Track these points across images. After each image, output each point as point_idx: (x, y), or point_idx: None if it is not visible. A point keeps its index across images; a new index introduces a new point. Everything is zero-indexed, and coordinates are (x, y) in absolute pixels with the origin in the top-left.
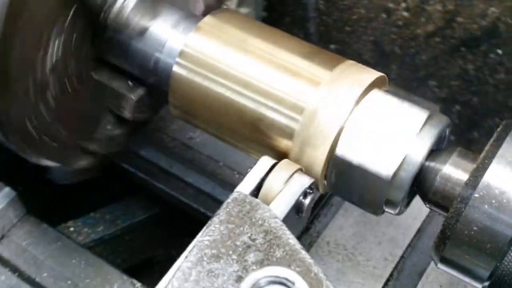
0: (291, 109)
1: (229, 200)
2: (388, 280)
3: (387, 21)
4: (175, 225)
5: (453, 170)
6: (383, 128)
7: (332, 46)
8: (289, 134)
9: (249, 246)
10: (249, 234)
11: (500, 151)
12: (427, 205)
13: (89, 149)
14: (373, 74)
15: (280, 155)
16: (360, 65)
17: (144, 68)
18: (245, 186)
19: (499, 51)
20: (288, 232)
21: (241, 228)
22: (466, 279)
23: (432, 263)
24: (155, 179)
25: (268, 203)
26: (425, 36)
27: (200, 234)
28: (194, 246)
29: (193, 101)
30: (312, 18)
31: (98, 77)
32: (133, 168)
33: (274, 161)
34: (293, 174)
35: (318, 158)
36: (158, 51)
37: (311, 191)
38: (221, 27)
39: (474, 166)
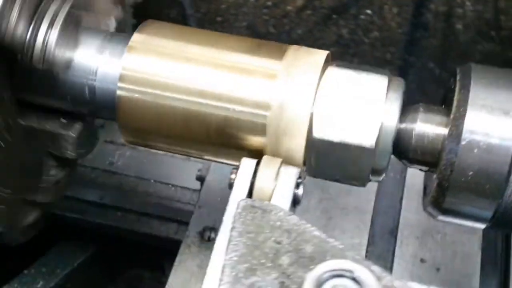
0: (256, 107)
1: (239, 210)
2: (367, 245)
3: (256, 4)
4: (116, 259)
5: (427, 126)
6: (351, 102)
7: None
8: (260, 130)
9: (278, 250)
10: (273, 238)
11: (470, 97)
12: (408, 165)
13: (36, 201)
14: (321, 54)
15: (254, 153)
16: (304, 47)
17: (79, 100)
18: (238, 192)
19: (368, 11)
20: (308, 225)
21: (263, 234)
22: (469, 224)
23: (402, 220)
24: (87, 215)
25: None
26: (296, 11)
27: (225, 252)
28: (224, 266)
29: (148, 122)
30: (191, 15)
31: (27, 122)
32: (60, 210)
33: (255, 160)
34: (279, 168)
35: (297, 146)
36: (91, 80)
37: (300, 180)
38: (154, 42)
39: (444, 118)
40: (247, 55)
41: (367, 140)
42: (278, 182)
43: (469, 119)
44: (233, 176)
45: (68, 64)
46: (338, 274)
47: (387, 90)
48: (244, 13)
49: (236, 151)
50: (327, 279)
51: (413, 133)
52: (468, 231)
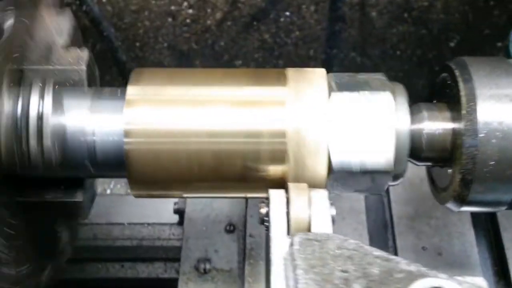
0: (273, 137)
1: (296, 246)
2: (370, 244)
3: (175, 24)
4: None
5: (434, 124)
6: (364, 123)
7: (133, 64)
8: (280, 158)
9: (347, 279)
10: (339, 268)
11: (477, 90)
12: (421, 164)
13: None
14: (319, 74)
15: (276, 182)
16: (299, 69)
17: (79, 166)
18: (277, 227)
19: (287, 13)
20: (367, 246)
21: (328, 266)
22: (489, 209)
23: (394, 212)
24: (67, 274)
25: (306, 231)
26: (217, 24)
27: None
28: None
29: (162, 171)
30: (118, 47)
31: (27, 197)
32: None
33: (282, 191)
34: (309, 194)
35: (319, 169)
36: (90, 142)
37: (331, 201)
38: (152, 91)
39: (447, 113)
40: (250, 87)
41: (387, 162)
42: (312, 208)
43: (481, 111)
44: (263, 210)
45: (63, 134)
46: None
47: (395, 101)
48: (164, 34)
49: (256, 184)
50: None
51: (423, 133)
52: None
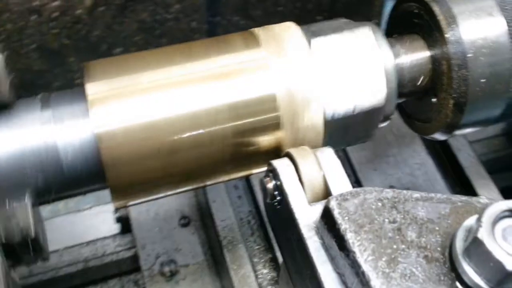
0: (264, 104)
1: (336, 211)
2: None
3: (40, 20)
4: None
5: (413, 56)
6: (350, 63)
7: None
8: (274, 125)
9: (399, 229)
10: (386, 220)
11: (455, 11)
12: (401, 101)
13: None
14: (290, 27)
15: (271, 152)
16: (266, 27)
17: (40, 190)
18: (298, 199)
19: None
20: (403, 191)
21: (376, 221)
22: (480, 128)
23: (353, 160)
24: None
25: (325, 193)
26: (88, 12)
27: (358, 258)
28: (364, 272)
29: (148, 169)
30: None
31: None
32: None
33: (285, 159)
34: (315, 155)
35: (316, 126)
36: (52, 159)
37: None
38: (115, 84)
39: (420, 42)
40: (223, 56)
41: (379, 96)
42: (324, 168)
43: (464, 31)
44: (270, 185)
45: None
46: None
47: (375, 38)
48: (29, 35)
49: (254, 158)
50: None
51: (403, 67)
52: (409, 143)
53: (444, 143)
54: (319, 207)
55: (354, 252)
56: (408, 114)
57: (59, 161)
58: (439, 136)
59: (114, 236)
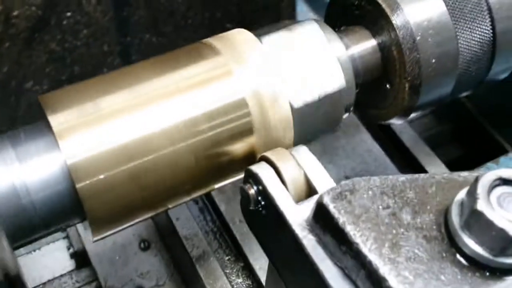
0: (237, 109)
1: (330, 207)
2: None
3: None
4: None
5: (361, 46)
6: (305, 55)
7: None
8: (248, 129)
9: (394, 213)
10: (380, 207)
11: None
12: (361, 88)
13: None
14: (240, 32)
15: (247, 157)
16: (218, 36)
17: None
18: (284, 200)
19: (69, 14)
20: (390, 176)
21: (371, 210)
22: (433, 107)
23: None
24: None
25: (308, 190)
26: None
27: (362, 248)
28: (370, 261)
29: (127, 195)
30: None
31: None
32: None
33: (263, 163)
34: (291, 154)
35: (285, 124)
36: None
37: None
38: (80, 112)
39: (364, 31)
40: (184, 68)
41: (338, 81)
42: (303, 166)
43: (410, 15)
44: (252, 191)
45: None
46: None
47: (323, 32)
48: None
49: (228, 167)
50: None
51: (355, 57)
52: (354, 133)
53: (387, 128)
54: (306, 205)
55: (357, 244)
56: (362, 103)
57: (31, 201)
58: (396, 121)
59: (69, 272)
